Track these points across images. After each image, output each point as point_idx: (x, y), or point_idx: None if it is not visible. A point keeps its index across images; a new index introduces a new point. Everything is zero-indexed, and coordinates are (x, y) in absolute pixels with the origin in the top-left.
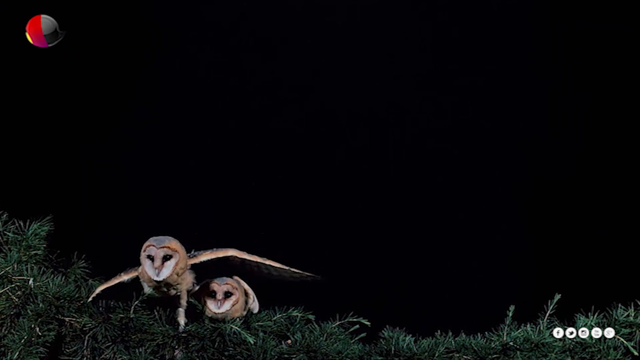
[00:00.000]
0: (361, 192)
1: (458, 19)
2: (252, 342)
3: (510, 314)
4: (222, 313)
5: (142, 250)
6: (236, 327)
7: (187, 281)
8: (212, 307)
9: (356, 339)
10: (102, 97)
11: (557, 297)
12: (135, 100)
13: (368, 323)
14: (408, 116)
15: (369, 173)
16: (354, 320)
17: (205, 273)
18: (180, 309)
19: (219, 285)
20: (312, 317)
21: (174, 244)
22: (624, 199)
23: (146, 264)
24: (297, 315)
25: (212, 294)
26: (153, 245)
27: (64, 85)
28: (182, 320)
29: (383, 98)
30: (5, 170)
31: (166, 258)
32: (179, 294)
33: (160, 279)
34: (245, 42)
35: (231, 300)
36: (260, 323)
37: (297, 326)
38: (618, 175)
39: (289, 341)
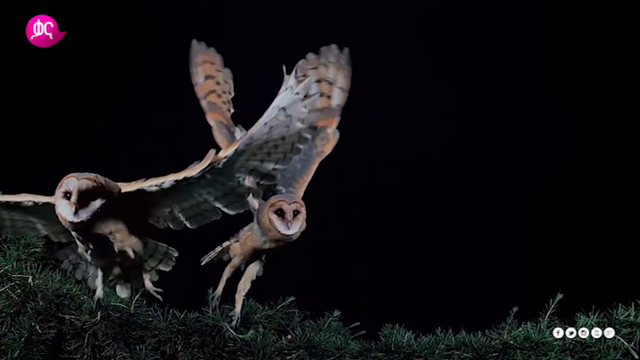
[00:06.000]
0: (362, 187)
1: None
2: (251, 339)
3: (512, 314)
4: (293, 235)
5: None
6: (232, 331)
7: None
8: (282, 229)
9: (355, 335)
10: (101, 95)
11: (559, 297)
12: (133, 99)
13: (357, 323)
14: (409, 113)
15: (371, 169)
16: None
17: None
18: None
19: (288, 204)
20: (307, 312)
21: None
22: (625, 199)
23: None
24: (295, 311)
25: (280, 214)
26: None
27: (63, 85)
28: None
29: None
30: (5, 170)
31: (295, 213)
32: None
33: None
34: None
35: (299, 220)
36: (259, 315)
37: (297, 321)
38: (618, 175)
39: (289, 336)
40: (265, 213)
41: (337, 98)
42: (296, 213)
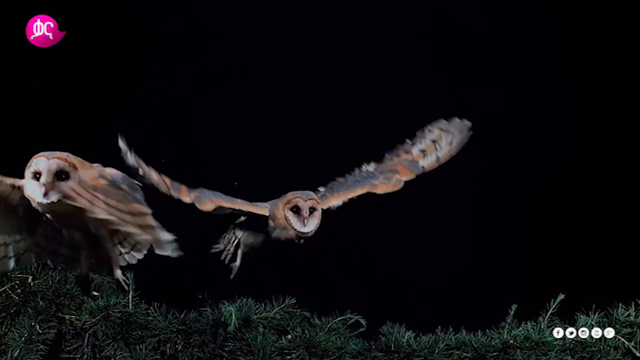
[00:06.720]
0: None
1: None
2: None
3: (512, 313)
4: (308, 232)
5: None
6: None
7: None
8: (298, 227)
9: (354, 333)
10: (100, 94)
11: (561, 297)
12: (131, 98)
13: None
14: (408, 114)
15: None
16: (352, 317)
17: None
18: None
19: (304, 201)
20: (307, 313)
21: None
22: (624, 199)
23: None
24: (297, 311)
25: (295, 210)
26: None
27: (63, 85)
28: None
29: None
30: (4, 169)
31: (311, 211)
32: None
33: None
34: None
35: (315, 217)
36: (259, 315)
37: (297, 321)
38: (619, 175)
39: (289, 336)
40: (281, 209)
41: (427, 162)
42: (312, 210)
